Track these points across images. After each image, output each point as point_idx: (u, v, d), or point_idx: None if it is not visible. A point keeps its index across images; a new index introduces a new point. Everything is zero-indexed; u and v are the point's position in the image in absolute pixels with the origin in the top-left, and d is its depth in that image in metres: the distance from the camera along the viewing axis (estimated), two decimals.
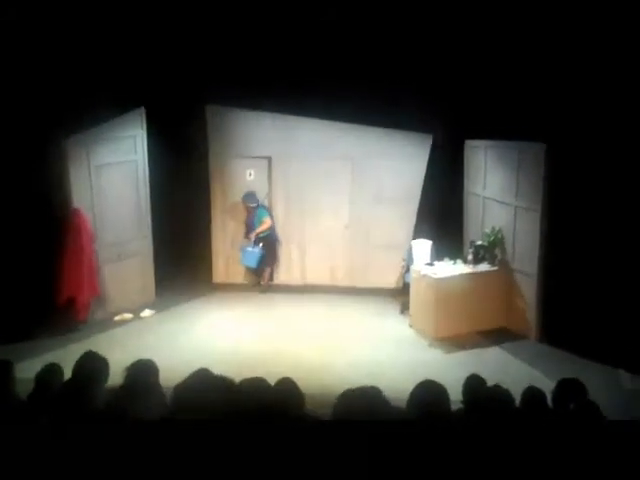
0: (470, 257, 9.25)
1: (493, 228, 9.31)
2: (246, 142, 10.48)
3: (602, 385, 6.64)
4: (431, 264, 9.26)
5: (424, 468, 2.69)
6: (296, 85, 8.92)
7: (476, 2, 7.75)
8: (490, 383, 4.72)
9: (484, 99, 8.71)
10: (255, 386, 3.64)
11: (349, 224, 10.56)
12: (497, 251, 9.28)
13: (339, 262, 10.68)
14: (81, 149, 9.04)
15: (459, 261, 9.34)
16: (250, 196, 10.49)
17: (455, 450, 2.74)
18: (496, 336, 9.04)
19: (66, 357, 5.43)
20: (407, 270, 9.73)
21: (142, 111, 9.65)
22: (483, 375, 4.99)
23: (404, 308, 9.77)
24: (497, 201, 9.39)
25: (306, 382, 3.89)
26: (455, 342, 8.79)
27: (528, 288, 9.00)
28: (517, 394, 4.43)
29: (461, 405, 4.60)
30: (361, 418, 3.10)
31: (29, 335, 8.40)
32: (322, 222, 10.58)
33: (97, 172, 9.26)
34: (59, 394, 4.16)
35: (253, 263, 10.48)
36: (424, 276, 9.03)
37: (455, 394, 4.22)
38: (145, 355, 4.50)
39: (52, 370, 4.67)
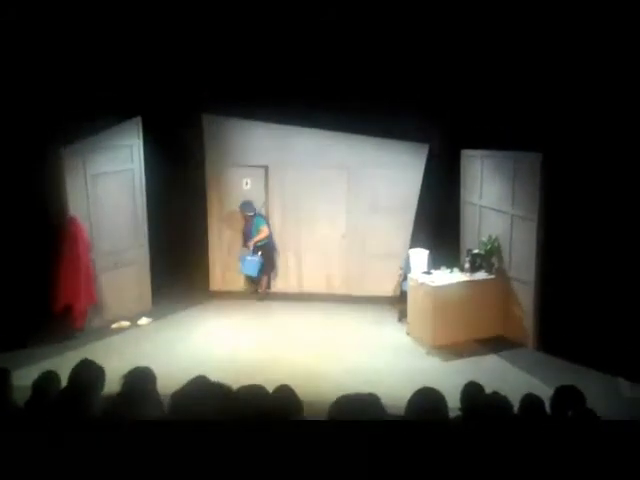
0: (467, 265, 9.26)
1: (490, 237, 9.33)
2: (243, 151, 10.50)
3: (601, 393, 6.66)
4: (428, 273, 9.27)
5: (421, 476, 2.68)
6: (293, 94, 8.95)
7: (472, 11, 7.78)
8: (488, 391, 4.71)
9: (481, 109, 8.75)
10: (253, 393, 3.62)
11: (346, 233, 10.57)
12: (494, 259, 9.30)
13: (336, 270, 10.69)
14: (77, 158, 9.04)
15: (456, 269, 9.35)
16: (247, 205, 10.51)
17: (453, 457, 2.74)
18: (493, 344, 9.04)
19: (63, 365, 5.41)
20: (404, 278, 9.74)
21: (139, 120, 9.66)
22: (481, 383, 4.98)
23: (402, 316, 9.77)
24: (494, 210, 9.41)
25: (303, 389, 3.88)
26: (453, 350, 8.79)
27: (525, 296, 9.01)
28: (515, 401, 4.43)
29: (459, 412, 4.59)
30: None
31: (26, 343, 8.40)
32: (318, 230, 10.59)
33: (93, 181, 9.26)
34: (56, 402, 4.15)
35: (254, 272, 10.48)
36: (422, 284, 9.04)
37: (453, 401, 4.21)
38: (142, 363, 4.49)
39: (49, 377, 4.66)
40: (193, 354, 8.60)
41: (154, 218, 10.11)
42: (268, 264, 10.62)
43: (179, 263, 10.42)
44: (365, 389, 3.48)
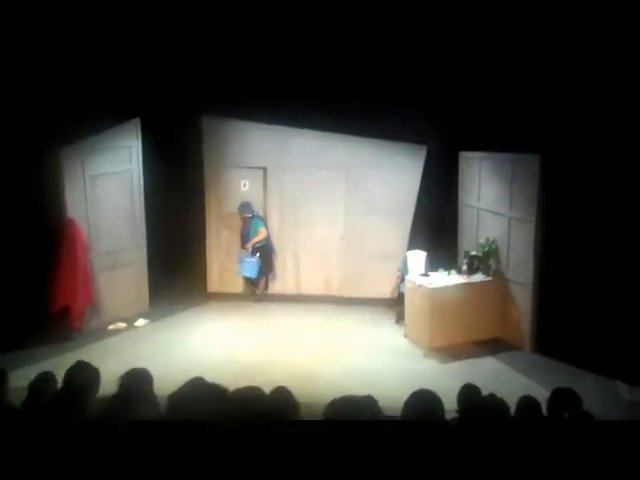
0: (465, 267, 9.27)
1: (487, 239, 9.33)
2: (241, 152, 10.51)
3: (598, 396, 6.64)
4: (426, 275, 9.28)
5: (418, 477, 2.69)
6: (291, 96, 8.95)
7: (471, 13, 7.79)
8: (485, 393, 4.72)
9: (479, 111, 8.75)
10: (250, 395, 3.61)
11: (344, 235, 10.57)
12: (491, 261, 9.30)
13: (334, 272, 10.69)
14: (76, 159, 9.04)
15: (453, 271, 9.36)
16: (246, 206, 10.51)
17: (450, 458, 2.74)
18: (491, 346, 9.04)
19: (60, 366, 5.37)
20: (402, 280, 9.75)
21: (137, 121, 9.67)
22: (478, 385, 4.98)
23: (399, 318, 9.77)
24: (491, 212, 9.41)
25: (301, 391, 3.87)
26: (450, 352, 8.79)
27: (523, 298, 9.01)
28: (512, 404, 4.43)
29: (456, 414, 4.59)
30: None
31: (23, 343, 8.39)
32: (316, 232, 10.60)
33: (92, 182, 9.26)
34: (52, 403, 4.15)
35: (253, 273, 10.48)
36: (419, 286, 9.04)
37: (450, 403, 4.22)
38: (140, 364, 4.48)
39: (46, 379, 4.66)
40: (190, 355, 8.59)
41: (152, 219, 10.10)
42: (266, 266, 10.62)
43: (177, 264, 10.42)
44: (362, 391, 3.49)
